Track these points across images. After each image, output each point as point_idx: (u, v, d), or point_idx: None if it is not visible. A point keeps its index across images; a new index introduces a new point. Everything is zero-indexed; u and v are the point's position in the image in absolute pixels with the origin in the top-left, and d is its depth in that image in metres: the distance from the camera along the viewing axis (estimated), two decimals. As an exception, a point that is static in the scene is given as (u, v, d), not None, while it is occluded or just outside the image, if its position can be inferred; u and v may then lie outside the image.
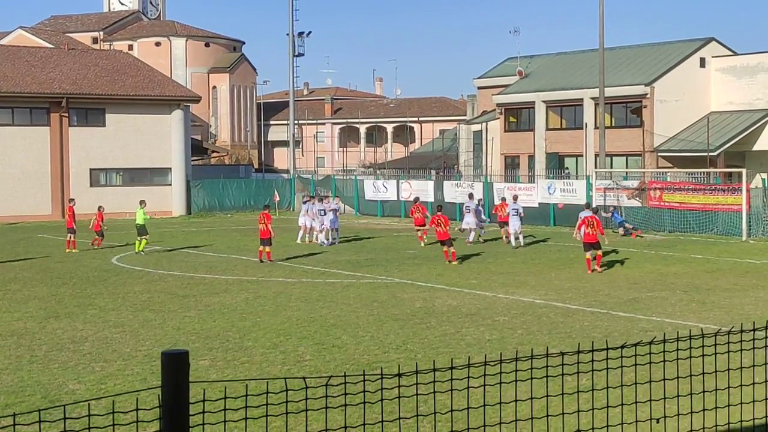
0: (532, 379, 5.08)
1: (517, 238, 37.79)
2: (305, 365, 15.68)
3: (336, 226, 39.54)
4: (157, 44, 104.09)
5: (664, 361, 5.91)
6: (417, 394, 4.25)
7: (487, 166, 66.10)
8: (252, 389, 4.12)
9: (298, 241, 39.74)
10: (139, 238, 35.56)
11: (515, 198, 40.65)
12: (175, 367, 3.67)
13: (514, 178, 58.66)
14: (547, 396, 5.33)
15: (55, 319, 20.60)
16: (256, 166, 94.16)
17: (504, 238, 39.80)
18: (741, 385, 6.59)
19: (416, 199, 43.06)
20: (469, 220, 39.52)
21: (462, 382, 5.80)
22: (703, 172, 47.88)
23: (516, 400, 5.65)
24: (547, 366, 5.23)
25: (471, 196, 42.76)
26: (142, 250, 35.28)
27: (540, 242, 39.74)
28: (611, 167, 54.99)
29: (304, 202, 41.40)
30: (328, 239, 38.83)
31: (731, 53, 62.92)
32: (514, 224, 37.88)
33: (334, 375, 4.12)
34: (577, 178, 52.13)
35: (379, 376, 3.95)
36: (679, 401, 6.86)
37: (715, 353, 6.17)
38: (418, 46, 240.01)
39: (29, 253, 36.04)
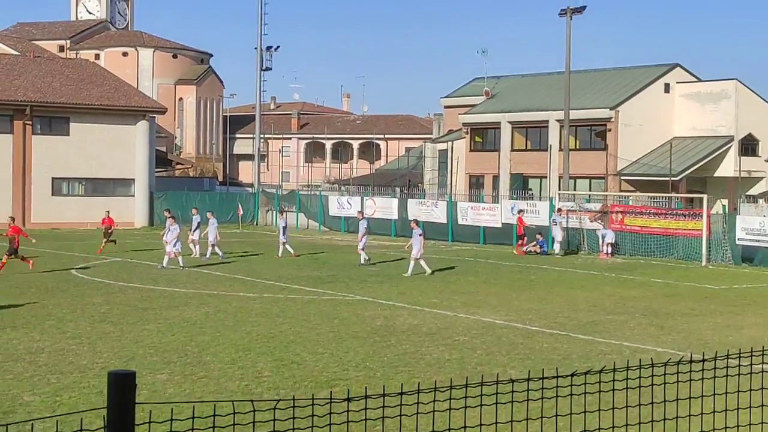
0: (491, 404, 5.07)
1: (552, 247, 43.63)
2: (263, 381, 15.59)
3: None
4: (124, 54, 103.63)
5: (627, 388, 5.92)
6: (366, 419, 4.22)
7: (452, 185, 66.29)
8: (200, 412, 4.07)
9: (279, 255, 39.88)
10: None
11: (559, 211, 45.12)
12: (122, 387, 3.61)
13: (479, 197, 58.85)
14: (512, 421, 5.31)
15: (11, 329, 20.36)
16: (220, 179, 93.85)
17: (530, 248, 44.14)
18: (702, 414, 6.61)
19: (520, 212, 45.43)
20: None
21: (412, 408, 5.77)
22: (665, 197, 48.27)
23: (464, 427, 5.63)
24: (512, 391, 5.21)
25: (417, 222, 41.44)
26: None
27: (502, 263, 39.86)
28: (575, 189, 55.33)
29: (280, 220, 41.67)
30: (205, 254, 39.12)
31: (696, 79, 63.62)
32: (557, 234, 43.66)
33: (282, 399, 4.07)
34: (540, 200, 52.38)
35: (328, 400, 3.92)
36: (641, 428, 6.87)
37: (677, 381, 6.19)
38: (387, 63, 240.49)
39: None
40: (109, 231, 41.20)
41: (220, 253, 38.45)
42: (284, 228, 40.47)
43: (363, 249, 37.20)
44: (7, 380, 15.29)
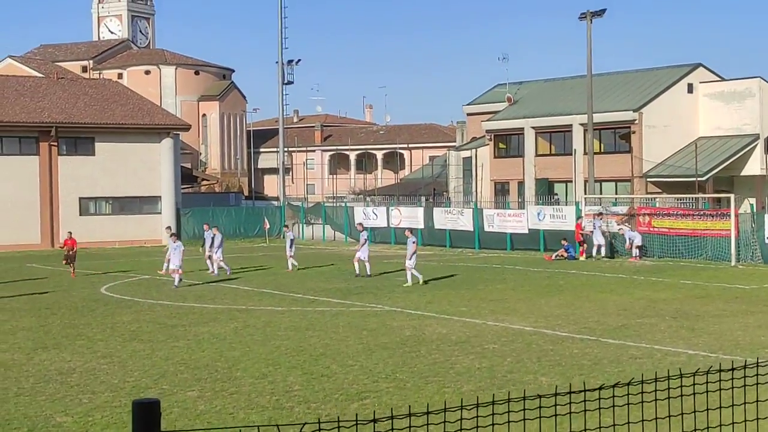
0: (540, 418, 5.04)
1: (599, 252, 43.96)
2: (294, 395, 15.59)
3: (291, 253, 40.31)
4: (147, 72, 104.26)
5: (656, 399, 5.87)
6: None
7: (477, 192, 66.19)
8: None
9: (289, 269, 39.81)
10: None
11: (599, 215, 45.40)
12: (146, 416, 3.62)
13: (504, 204, 58.72)
14: None
15: (42, 350, 20.48)
16: (246, 193, 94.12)
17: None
18: (745, 421, 6.55)
19: (578, 218, 45.38)
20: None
21: (455, 425, 5.76)
22: (692, 198, 48.00)
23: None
24: (555, 405, 5.18)
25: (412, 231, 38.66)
26: None
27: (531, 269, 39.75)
28: (600, 193, 55.11)
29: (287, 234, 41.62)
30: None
31: (719, 79, 63.24)
32: (598, 239, 44.00)
33: (308, 422, 4.06)
34: (566, 204, 52.22)
35: (354, 422, 3.91)
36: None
37: (720, 389, 6.11)
38: (408, 73, 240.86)
39: (17, 284, 35.87)
40: (71, 252, 39.17)
41: (214, 269, 38.48)
42: (292, 241, 40.71)
43: (367, 260, 36.55)
44: (39, 401, 15.37)
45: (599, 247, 44.31)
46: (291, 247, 40.53)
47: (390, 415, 3.98)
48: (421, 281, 33.28)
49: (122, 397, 15.58)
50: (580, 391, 5.04)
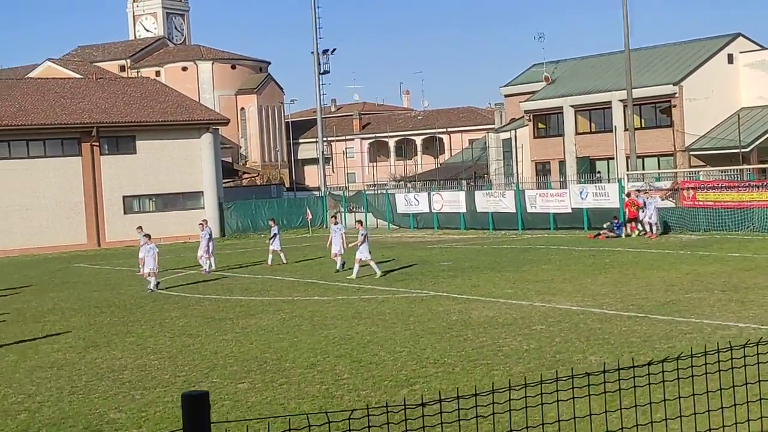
0: (589, 396, 5.02)
1: (650, 228, 42.94)
2: (343, 384, 15.64)
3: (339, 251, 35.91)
4: (184, 69, 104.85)
5: (706, 373, 5.82)
6: (442, 423, 4.20)
7: (518, 173, 65.94)
8: (277, 426, 4.11)
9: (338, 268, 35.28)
10: None
11: (643, 192, 44.56)
12: (196, 408, 3.65)
13: (546, 184, 58.46)
14: (606, 412, 5.26)
15: (94, 348, 20.70)
16: (287, 185, 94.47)
17: (631, 233, 43.56)
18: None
19: (628, 194, 44.41)
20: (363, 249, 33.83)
21: (503, 405, 5.75)
22: (737, 169, 47.49)
23: (558, 420, 5.59)
24: (604, 382, 5.16)
25: (361, 222, 37.19)
26: None
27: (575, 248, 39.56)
28: (643, 169, 54.71)
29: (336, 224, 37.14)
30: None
31: (759, 48, 62.49)
32: (653, 215, 43.15)
33: (357, 409, 4.07)
34: (609, 182, 51.87)
35: (402, 407, 3.91)
36: (736, 410, 6.75)
37: (758, 363, 6.06)
38: (444, 57, 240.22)
39: (66, 284, 36.27)
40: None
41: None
42: (275, 235, 38.90)
43: (369, 258, 33.41)
44: (92, 399, 15.54)
45: (650, 224, 43.39)
46: (274, 241, 38.89)
47: (438, 399, 3.97)
48: (378, 275, 31.99)
49: (173, 392, 15.71)
50: (629, 368, 5.01)
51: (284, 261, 38.77)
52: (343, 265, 34.90)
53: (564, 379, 4.93)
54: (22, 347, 21.40)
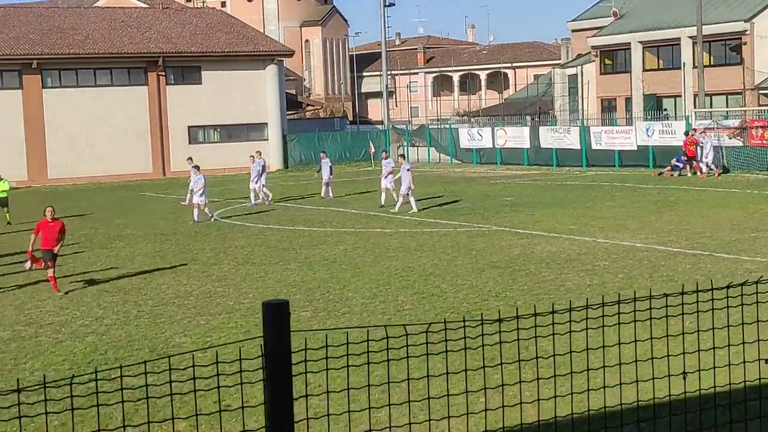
0: (635, 321, 5.03)
1: (708, 167, 42.40)
2: (405, 314, 15.76)
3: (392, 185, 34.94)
4: (249, 0, 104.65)
5: (757, 302, 5.79)
6: (518, 339, 4.23)
7: (583, 109, 65.22)
8: (353, 338, 4.17)
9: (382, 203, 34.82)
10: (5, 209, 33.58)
11: (703, 131, 43.82)
12: (277, 316, 3.72)
13: (611, 121, 57.78)
14: (651, 338, 5.27)
15: (159, 274, 21.04)
16: (350, 118, 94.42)
17: (696, 172, 42.68)
18: None
19: (686, 133, 43.79)
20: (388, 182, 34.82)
21: (564, 326, 5.77)
22: (808, 109, 46.50)
23: (619, 344, 5.61)
24: (650, 308, 5.17)
25: (403, 156, 38.58)
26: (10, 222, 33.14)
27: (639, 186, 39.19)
28: (711, 107, 53.79)
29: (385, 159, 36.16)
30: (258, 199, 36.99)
31: (835, -16, 60.72)
32: (710, 155, 42.54)
33: (434, 322, 4.14)
34: (675, 119, 51.13)
35: (480, 322, 3.95)
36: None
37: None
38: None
39: (133, 211, 36.77)
40: None
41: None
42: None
43: (394, 189, 33.79)
44: (159, 324, 15.84)
45: (706, 164, 42.75)
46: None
47: (516, 315, 4.01)
48: (415, 209, 31.82)
49: (238, 318, 15.95)
50: (678, 294, 5.01)
51: (330, 195, 38.65)
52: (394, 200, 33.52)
53: (626, 301, 4.94)
54: (90, 272, 21.82)
